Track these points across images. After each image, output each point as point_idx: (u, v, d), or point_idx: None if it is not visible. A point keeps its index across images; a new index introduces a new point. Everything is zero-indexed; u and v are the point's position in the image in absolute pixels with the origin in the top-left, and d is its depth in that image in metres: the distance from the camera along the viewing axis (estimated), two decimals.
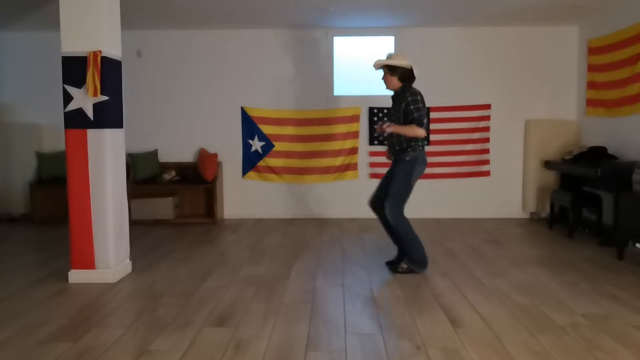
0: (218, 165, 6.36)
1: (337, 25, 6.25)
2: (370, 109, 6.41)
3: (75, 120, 3.82)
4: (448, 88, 6.39)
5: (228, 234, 5.69)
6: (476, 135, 6.41)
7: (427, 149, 6.30)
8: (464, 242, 5.16)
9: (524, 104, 6.39)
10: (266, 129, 6.46)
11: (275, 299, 3.50)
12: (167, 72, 6.50)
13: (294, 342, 2.79)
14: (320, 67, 6.41)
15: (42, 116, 6.53)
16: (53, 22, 5.75)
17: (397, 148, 4.10)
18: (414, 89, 4.04)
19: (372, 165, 6.49)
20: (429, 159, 6.33)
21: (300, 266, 4.33)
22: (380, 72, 4.18)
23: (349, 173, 6.50)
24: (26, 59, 6.55)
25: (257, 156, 6.50)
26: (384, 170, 6.39)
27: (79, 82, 3.80)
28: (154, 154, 6.45)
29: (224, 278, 3.99)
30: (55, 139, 6.48)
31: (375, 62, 4.13)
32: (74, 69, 3.79)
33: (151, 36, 6.44)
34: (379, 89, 6.41)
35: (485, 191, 6.49)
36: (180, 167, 6.48)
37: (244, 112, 6.48)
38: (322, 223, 6.25)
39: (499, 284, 3.78)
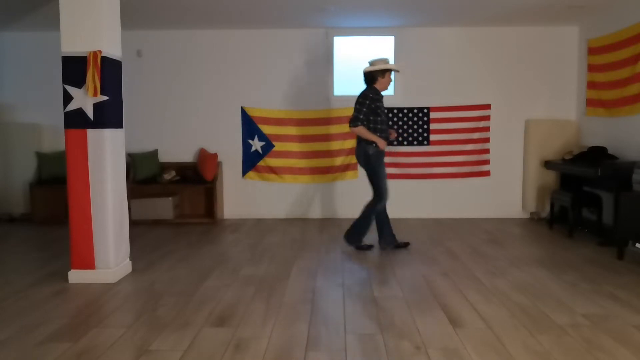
0: (218, 165, 6.36)
1: (337, 25, 6.25)
2: None
3: (75, 120, 3.82)
4: (448, 88, 6.39)
5: (228, 234, 5.69)
6: (476, 135, 6.41)
7: (427, 148, 6.43)
8: (464, 242, 5.16)
9: (524, 104, 6.40)
10: (266, 129, 6.46)
11: (275, 299, 3.50)
12: (167, 72, 6.50)
13: (294, 342, 2.79)
14: (320, 67, 6.41)
15: (42, 116, 6.53)
16: (53, 22, 5.76)
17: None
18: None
19: None
20: (430, 159, 6.44)
21: (300, 266, 4.34)
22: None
23: (349, 173, 6.50)
24: (26, 59, 6.55)
25: (257, 156, 6.50)
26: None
27: (79, 82, 3.80)
28: (154, 154, 6.45)
29: (224, 278, 3.99)
30: (55, 139, 6.49)
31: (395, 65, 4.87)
32: (74, 69, 3.79)
33: (151, 36, 6.44)
34: None
35: (485, 191, 6.49)
36: (180, 167, 6.48)
37: (244, 112, 6.48)
38: (322, 223, 6.24)
39: (499, 284, 3.78)
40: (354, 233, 4.79)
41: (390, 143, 4.77)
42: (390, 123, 6.39)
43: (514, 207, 6.51)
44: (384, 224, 4.85)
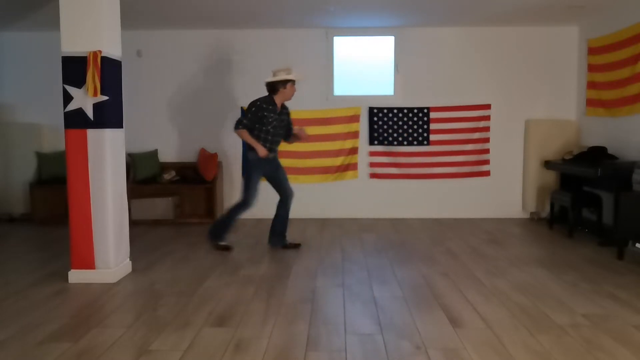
0: (218, 165, 6.36)
1: (337, 25, 6.25)
2: (370, 109, 6.41)
3: (75, 120, 3.82)
4: (448, 88, 6.39)
5: (228, 234, 5.67)
6: (476, 135, 6.41)
7: (427, 148, 6.42)
8: (464, 242, 5.16)
9: (524, 104, 6.39)
10: None
11: (275, 299, 3.50)
12: (167, 72, 6.50)
13: (294, 342, 2.79)
14: (320, 67, 6.41)
15: (42, 116, 6.52)
16: (53, 22, 5.75)
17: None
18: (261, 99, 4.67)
19: (372, 165, 6.49)
20: (430, 159, 6.44)
21: (300, 266, 4.33)
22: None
23: (349, 173, 6.50)
24: (26, 59, 6.55)
25: None
26: (384, 170, 6.48)
27: (79, 82, 3.80)
28: (154, 154, 6.45)
29: (224, 278, 3.99)
30: (55, 139, 6.48)
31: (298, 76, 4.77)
32: (74, 69, 3.79)
33: (151, 36, 6.44)
34: (379, 89, 6.47)
35: (485, 191, 6.49)
36: (180, 167, 6.48)
37: (243, 113, 6.46)
38: (322, 223, 6.24)
39: (499, 284, 3.78)
40: (216, 230, 4.86)
41: (272, 152, 4.72)
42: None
43: (514, 207, 6.51)
44: (279, 223, 4.95)
